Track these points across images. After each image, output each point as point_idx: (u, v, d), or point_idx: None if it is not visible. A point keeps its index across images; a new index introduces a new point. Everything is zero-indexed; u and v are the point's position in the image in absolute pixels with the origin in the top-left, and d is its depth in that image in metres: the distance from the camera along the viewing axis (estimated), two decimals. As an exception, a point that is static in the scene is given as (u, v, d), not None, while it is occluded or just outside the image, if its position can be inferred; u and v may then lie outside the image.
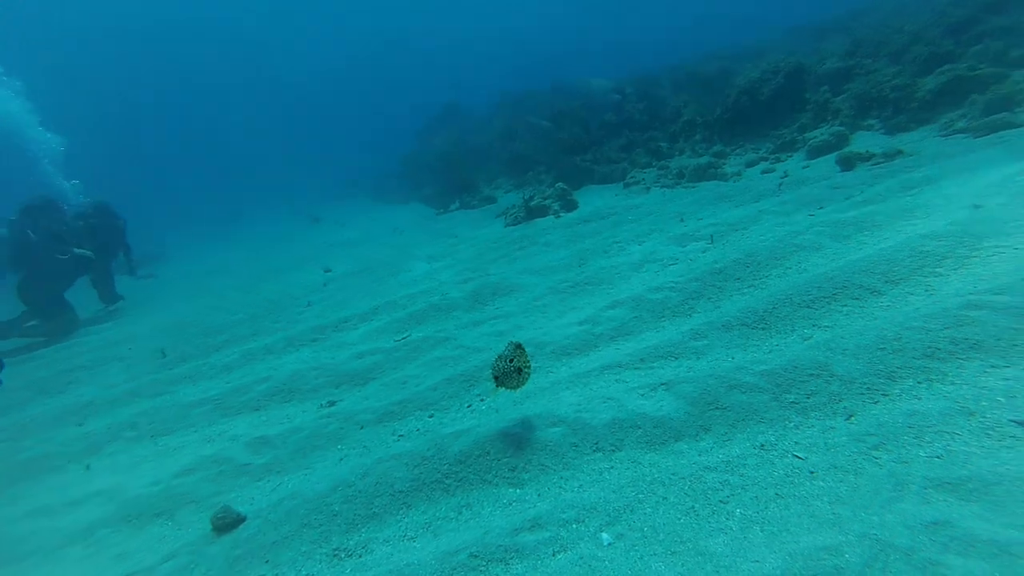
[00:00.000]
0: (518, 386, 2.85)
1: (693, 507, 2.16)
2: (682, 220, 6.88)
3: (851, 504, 1.94)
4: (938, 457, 2.03)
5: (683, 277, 4.62)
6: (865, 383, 2.62)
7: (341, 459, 3.36)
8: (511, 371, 2.81)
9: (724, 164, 9.66)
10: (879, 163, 6.96)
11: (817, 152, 8.45)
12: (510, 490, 2.61)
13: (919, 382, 2.51)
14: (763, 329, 3.51)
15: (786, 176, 7.85)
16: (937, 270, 3.55)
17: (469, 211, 13.45)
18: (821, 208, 5.70)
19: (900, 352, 2.71)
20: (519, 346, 2.88)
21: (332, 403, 4.30)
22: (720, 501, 2.15)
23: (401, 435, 3.50)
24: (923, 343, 2.71)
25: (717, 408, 2.74)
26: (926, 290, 3.38)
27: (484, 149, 18.35)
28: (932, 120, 8.01)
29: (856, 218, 4.93)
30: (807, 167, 8.07)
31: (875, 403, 2.50)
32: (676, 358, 3.46)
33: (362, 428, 3.71)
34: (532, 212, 9.83)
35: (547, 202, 10.04)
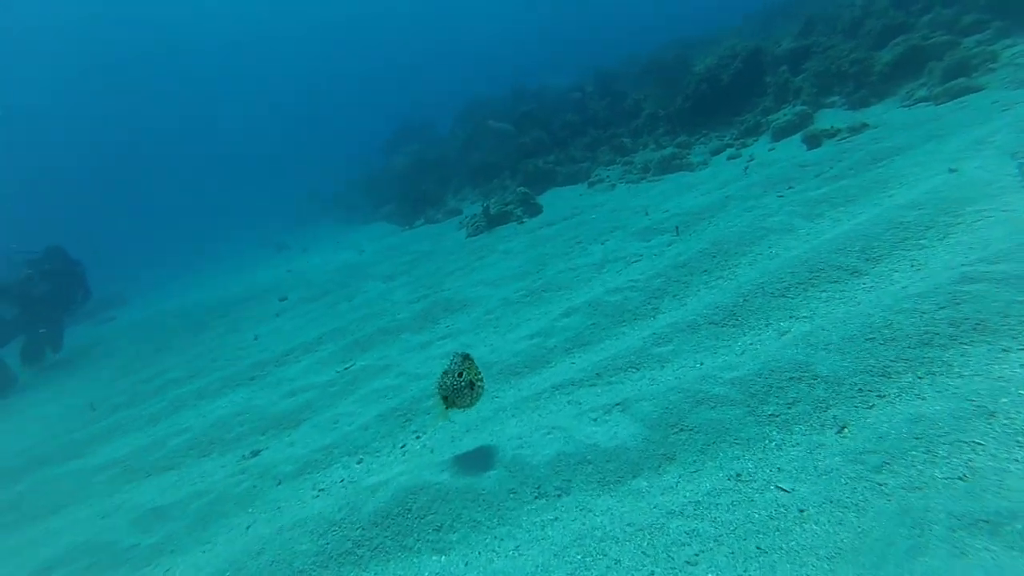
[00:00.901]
0: (472, 403, 2.40)
1: (652, 573, 1.64)
2: (647, 214, 6.45)
3: (857, 561, 1.44)
4: (960, 479, 1.55)
5: (645, 274, 4.15)
6: (856, 383, 2.15)
7: (248, 527, 2.78)
8: (462, 387, 2.35)
9: (689, 154, 9.32)
10: (845, 138, 6.63)
11: (782, 133, 8.13)
12: (432, 558, 2.07)
13: (919, 377, 2.05)
14: (734, 326, 3.04)
15: (752, 160, 7.50)
16: (920, 242, 3.13)
17: (434, 225, 12.94)
18: (790, 188, 5.30)
19: (892, 341, 2.25)
20: (467, 357, 2.41)
21: (255, 453, 3.71)
22: (687, 562, 1.64)
23: (322, 489, 2.94)
24: (917, 328, 2.26)
25: (682, 430, 2.24)
26: (911, 265, 2.94)
27: (449, 160, 17.89)
28: (893, 92, 7.76)
29: (827, 194, 4.53)
30: (773, 149, 7.74)
31: (870, 408, 2.02)
32: (637, 369, 2.97)
33: (279, 484, 3.13)
34: (493, 220, 9.35)
35: (509, 208, 9.57)
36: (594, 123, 13.59)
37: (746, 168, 7.10)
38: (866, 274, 3.06)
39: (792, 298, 3.09)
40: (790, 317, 2.95)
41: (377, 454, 3.15)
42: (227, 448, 3.93)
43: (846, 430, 1.97)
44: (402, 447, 3.12)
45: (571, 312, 3.96)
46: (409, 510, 2.31)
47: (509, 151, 13.95)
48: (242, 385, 5.38)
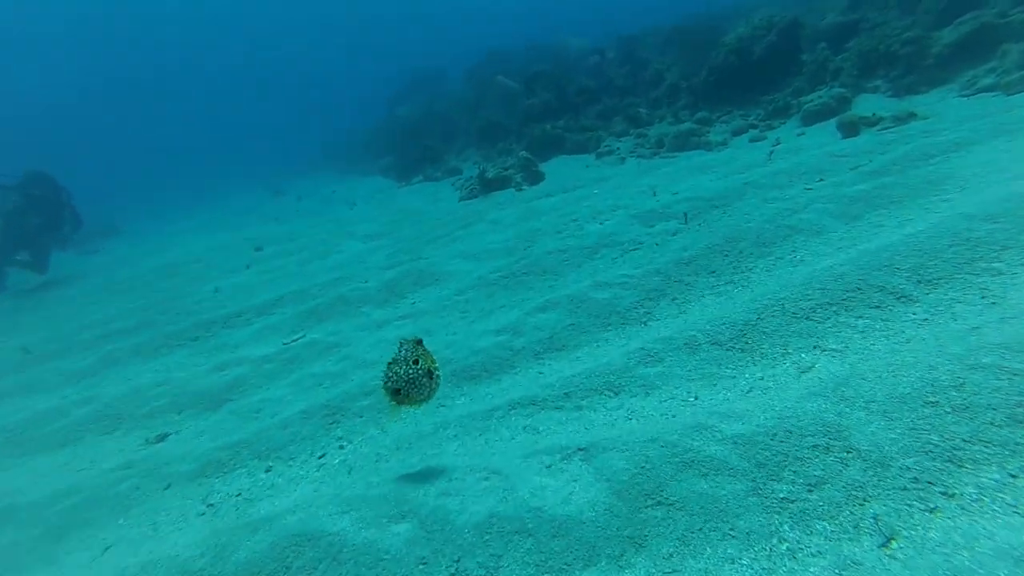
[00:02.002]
0: (429, 397, 1.98)
1: None
2: (654, 194, 5.73)
3: None
4: None
5: (641, 268, 3.49)
6: (909, 468, 1.53)
7: (106, 549, 2.23)
8: (419, 377, 1.94)
9: (708, 131, 8.47)
10: (889, 128, 5.83)
11: (815, 117, 7.29)
12: (297, 653, 1.51)
13: (1012, 475, 1.43)
14: (742, 351, 2.41)
15: (778, 144, 6.71)
16: (994, 265, 2.46)
17: (431, 183, 12.17)
18: (821, 180, 4.58)
19: (966, 411, 1.62)
20: (419, 342, 2.00)
21: (161, 438, 3.16)
22: None
23: (211, 504, 2.38)
24: (1006, 397, 1.62)
25: (659, 504, 1.64)
26: (983, 296, 2.29)
27: (455, 117, 16.87)
28: (949, 79, 6.87)
29: (866, 192, 3.82)
30: (803, 134, 6.93)
31: (931, 512, 1.41)
32: (615, 394, 2.36)
33: (168, 488, 2.58)
34: (490, 184, 8.60)
35: (508, 173, 8.80)
36: (611, 91, 12.59)
37: (771, 153, 6.32)
38: (918, 301, 2.40)
39: (819, 322, 2.44)
40: (815, 347, 2.31)
41: (290, 462, 2.58)
42: (134, 426, 3.37)
43: (894, 543, 1.36)
44: (320, 457, 2.55)
45: (549, 306, 3.32)
46: (288, 568, 1.73)
47: (516, 112, 13.01)
48: (182, 346, 4.81)
